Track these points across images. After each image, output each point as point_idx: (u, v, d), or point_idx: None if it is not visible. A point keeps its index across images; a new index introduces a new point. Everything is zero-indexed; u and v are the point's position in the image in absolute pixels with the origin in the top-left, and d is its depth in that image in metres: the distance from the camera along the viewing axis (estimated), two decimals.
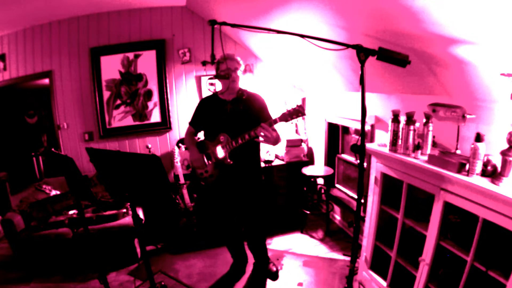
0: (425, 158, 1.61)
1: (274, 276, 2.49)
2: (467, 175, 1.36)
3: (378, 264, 2.07)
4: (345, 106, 2.97)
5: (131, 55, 3.45)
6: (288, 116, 1.79)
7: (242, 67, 2.14)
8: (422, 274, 1.62)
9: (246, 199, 2.27)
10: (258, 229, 2.42)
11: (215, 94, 2.21)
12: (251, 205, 2.30)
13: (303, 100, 3.75)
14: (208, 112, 2.23)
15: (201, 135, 2.35)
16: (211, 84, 3.65)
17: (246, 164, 2.18)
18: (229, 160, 2.05)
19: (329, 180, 3.12)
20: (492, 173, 1.33)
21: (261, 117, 2.03)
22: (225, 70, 2.03)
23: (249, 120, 2.02)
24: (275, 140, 1.93)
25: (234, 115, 2.11)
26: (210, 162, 2.14)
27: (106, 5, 3.18)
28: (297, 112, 1.77)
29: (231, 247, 2.54)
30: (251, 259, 2.64)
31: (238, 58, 2.13)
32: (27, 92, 5.43)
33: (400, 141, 1.76)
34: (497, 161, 1.32)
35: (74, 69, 3.39)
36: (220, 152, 2.08)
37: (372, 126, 2.55)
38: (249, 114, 2.09)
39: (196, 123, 2.31)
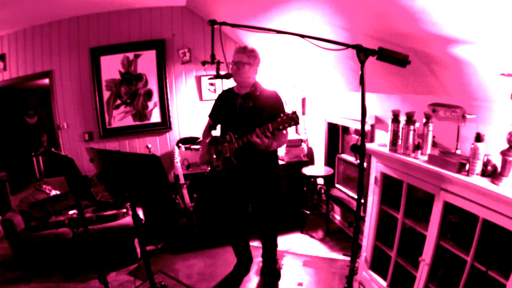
0: (425, 158, 1.61)
1: (278, 276, 2.49)
2: (467, 175, 1.36)
3: (378, 264, 2.07)
4: (345, 106, 2.96)
5: (131, 55, 3.45)
6: (280, 124, 1.71)
7: (255, 61, 2.06)
8: (422, 274, 1.62)
9: (257, 196, 2.24)
10: (269, 226, 2.37)
11: (233, 86, 2.20)
12: (262, 202, 2.27)
13: (303, 100, 3.75)
14: (222, 105, 2.22)
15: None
16: (211, 84, 3.66)
17: (255, 164, 2.11)
18: (233, 160, 2.02)
19: (329, 180, 3.11)
20: (492, 173, 1.33)
21: (267, 119, 1.88)
22: (230, 63, 2.02)
23: (256, 119, 1.95)
24: (266, 148, 1.86)
25: (242, 112, 2.06)
26: (220, 158, 2.12)
27: (106, 5, 3.19)
28: (290, 120, 1.69)
29: (237, 245, 2.52)
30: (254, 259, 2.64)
31: (252, 51, 2.04)
32: (27, 92, 5.43)
33: (400, 141, 1.76)
34: (497, 161, 1.32)
35: (74, 69, 3.39)
36: (225, 150, 2.06)
37: (372, 126, 2.55)
38: (257, 113, 2.01)
39: (213, 115, 2.31)
